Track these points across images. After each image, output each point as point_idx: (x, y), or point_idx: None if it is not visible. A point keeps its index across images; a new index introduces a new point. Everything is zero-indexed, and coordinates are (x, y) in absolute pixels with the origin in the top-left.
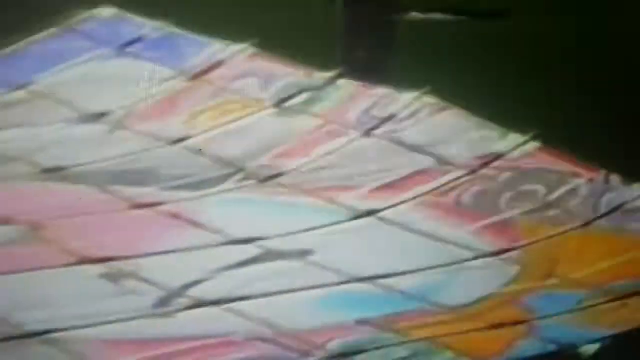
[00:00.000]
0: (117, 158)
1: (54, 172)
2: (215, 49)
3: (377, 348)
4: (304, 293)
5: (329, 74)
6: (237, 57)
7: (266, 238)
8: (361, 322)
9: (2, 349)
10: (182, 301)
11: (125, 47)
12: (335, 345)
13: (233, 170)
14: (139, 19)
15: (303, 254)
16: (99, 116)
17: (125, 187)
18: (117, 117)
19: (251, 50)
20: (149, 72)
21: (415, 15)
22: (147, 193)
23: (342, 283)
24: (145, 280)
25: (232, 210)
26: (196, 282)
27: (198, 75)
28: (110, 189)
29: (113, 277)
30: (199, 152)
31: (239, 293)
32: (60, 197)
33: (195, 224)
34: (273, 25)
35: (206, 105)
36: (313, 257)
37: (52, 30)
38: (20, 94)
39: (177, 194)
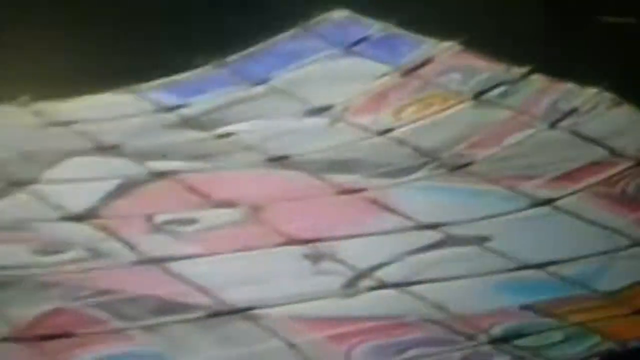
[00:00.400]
0: (332, 148)
1: (278, 160)
2: (428, 46)
3: (535, 332)
4: (477, 278)
5: (523, 69)
6: (444, 53)
7: (449, 224)
8: (524, 307)
9: (207, 325)
10: (367, 282)
11: (352, 46)
12: (497, 329)
13: (429, 159)
14: (367, 20)
15: (481, 240)
16: (322, 109)
17: (335, 174)
18: (338, 110)
19: (458, 47)
20: (369, 68)
21: (610, 18)
22: (352, 180)
23: (513, 269)
24: (340, 261)
25: (423, 197)
26: (382, 265)
27: (409, 71)
28: (322, 175)
29: (313, 258)
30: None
31: (418, 276)
32: (279, 183)
33: (389, 209)
34: (479, 25)
35: (412, 99)
36: (490, 243)
37: (291, 31)
38: (259, 89)
39: (378, 181)
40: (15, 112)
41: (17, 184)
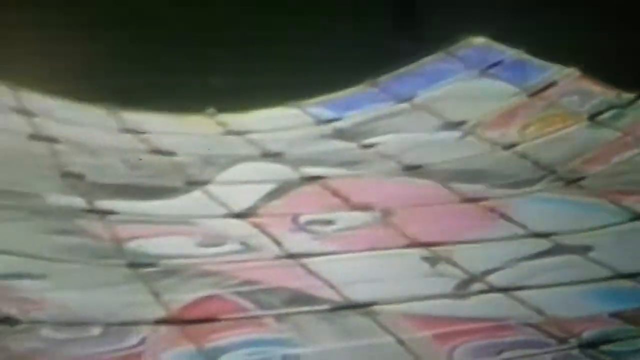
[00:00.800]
0: (461, 159)
1: (412, 169)
2: (552, 71)
3: (621, 339)
4: (575, 286)
5: (632, 95)
6: (566, 78)
7: (558, 233)
8: (614, 315)
9: (331, 317)
10: (478, 286)
11: (487, 69)
12: (587, 334)
13: (546, 172)
14: (501, 47)
15: (584, 249)
16: (457, 124)
17: (461, 184)
18: (470, 125)
19: (578, 73)
20: (501, 89)
21: None
22: (476, 189)
23: (608, 278)
24: (455, 265)
25: (538, 207)
26: (493, 270)
27: (535, 93)
28: (449, 184)
29: (431, 260)
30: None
31: (524, 282)
32: (411, 190)
33: (506, 218)
34: (597, 53)
35: (536, 117)
36: (592, 252)
37: (437, 54)
38: (404, 105)
39: (499, 191)
40: (202, 121)
41: (195, 184)
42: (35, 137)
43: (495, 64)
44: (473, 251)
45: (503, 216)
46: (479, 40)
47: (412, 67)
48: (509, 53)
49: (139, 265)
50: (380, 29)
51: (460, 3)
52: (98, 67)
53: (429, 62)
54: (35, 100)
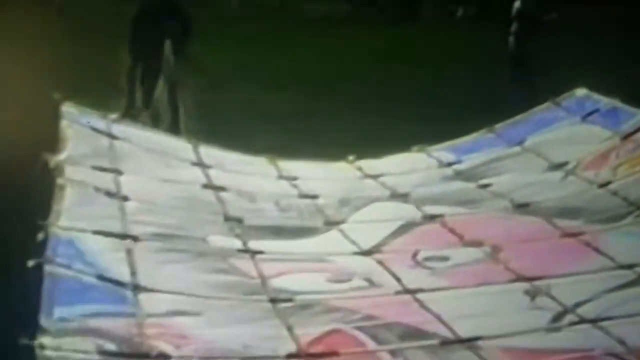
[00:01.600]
0: (563, 197)
1: (521, 207)
2: None
3: None
4: None
5: None
6: None
7: None
8: None
9: (438, 352)
10: (570, 317)
11: (587, 116)
12: None
13: (634, 208)
14: (599, 97)
15: None
16: (560, 165)
17: (562, 220)
18: (571, 166)
19: None
20: (598, 134)
21: None
22: (575, 225)
23: None
24: (552, 298)
25: (625, 241)
26: (584, 302)
27: (627, 136)
28: (552, 220)
29: (532, 294)
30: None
31: (609, 313)
32: (519, 226)
33: (598, 251)
34: None
35: (627, 158)
36: None
37: (545, 104)
38: (516, 149)
39: (593, 226)
40: (343, 167)
41: (331, 224)
42: (207, 186)
43: (593, 112)
44: (568, 284)
45: (595, 249)
46: (581, 92)
47: (524, 115)
48: (605, 102)
49: (279, 300)
50: (498, 80)
51: (566, 60)
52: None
53: (539, 111)
54: (212, 153)
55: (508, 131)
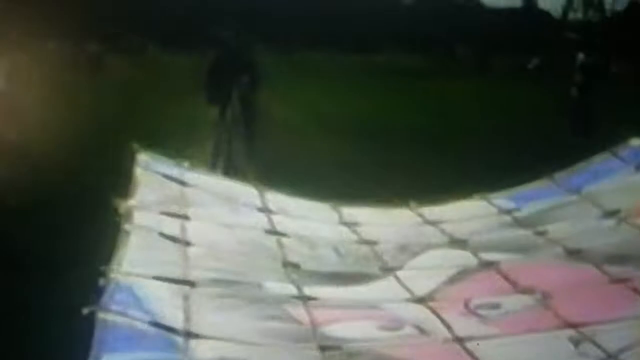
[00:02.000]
0: (614, 244)
1: (574, 254)
2: None
3: None
4: None
5: None
6: None
7: None
8: None
9: None
10: None
11: None
12: None
13: None
14: None
15: None
16: (613, 213)
17: (612, 266)
18: (624, 214)
19: None
20: None
21: None
22: (624, 271)
23: None
24: (596, 344)
25: None
26: (627, 348)
27: None
28: (602, 266)
29: (576, 340)
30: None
31: None
32: (570, 273)
33: None
34: None
35: None
36: None
37: (604, 154)
38: (573, 197)
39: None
40: (404, 213)
41: (388, 270)
42: (269, 231)
43: None
44: (613, 330)
45: None
46: (636, 142)
47: (583, 164)
48: None
49: (328, 348)
50: (559, 131)
51: (623, 110)
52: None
53: (596, 161)
54: (277, 199)
55: (567, 180)
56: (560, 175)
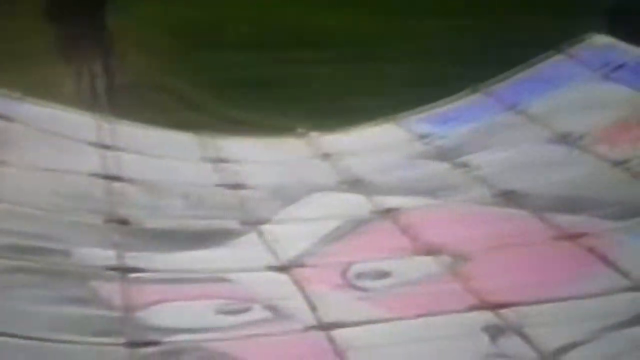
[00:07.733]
0: (563, 181)
1: (503, 196)
2: None
3: None
4: None
5: None
6: None
7: None
8: None
9: None
10: None
11: (610, 72)
12: None
13: None
14: (626, 46)
15: None
16: (565, 137)
17: (558, 214)
18: (578, 138)
19: None
20: (621, 95)
21: None
22: (575, 222)
23: None
24: (524, 337)
25: None
26: (575, 344)
27: None
28: (544, 215)
29: (494, 332)
30: None
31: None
32: (495, 225)
33: (605, 261)
34: None
35: None
36: None
37: (555, 58)
38: (510, 116)
39: (601, 223)
40: (291, 143)
41: (250, 224)
42: (98, 175)
43: (618, 67)
44: (554, 315)
45: (602, 258)
46: (601, 40)
47: (527, 72)
48: (632, 54)
49: (139, 344)
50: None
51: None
52: None
53: (545, 64)
54: (122, 131)
55: (507, 93)
56: (498, 87)
